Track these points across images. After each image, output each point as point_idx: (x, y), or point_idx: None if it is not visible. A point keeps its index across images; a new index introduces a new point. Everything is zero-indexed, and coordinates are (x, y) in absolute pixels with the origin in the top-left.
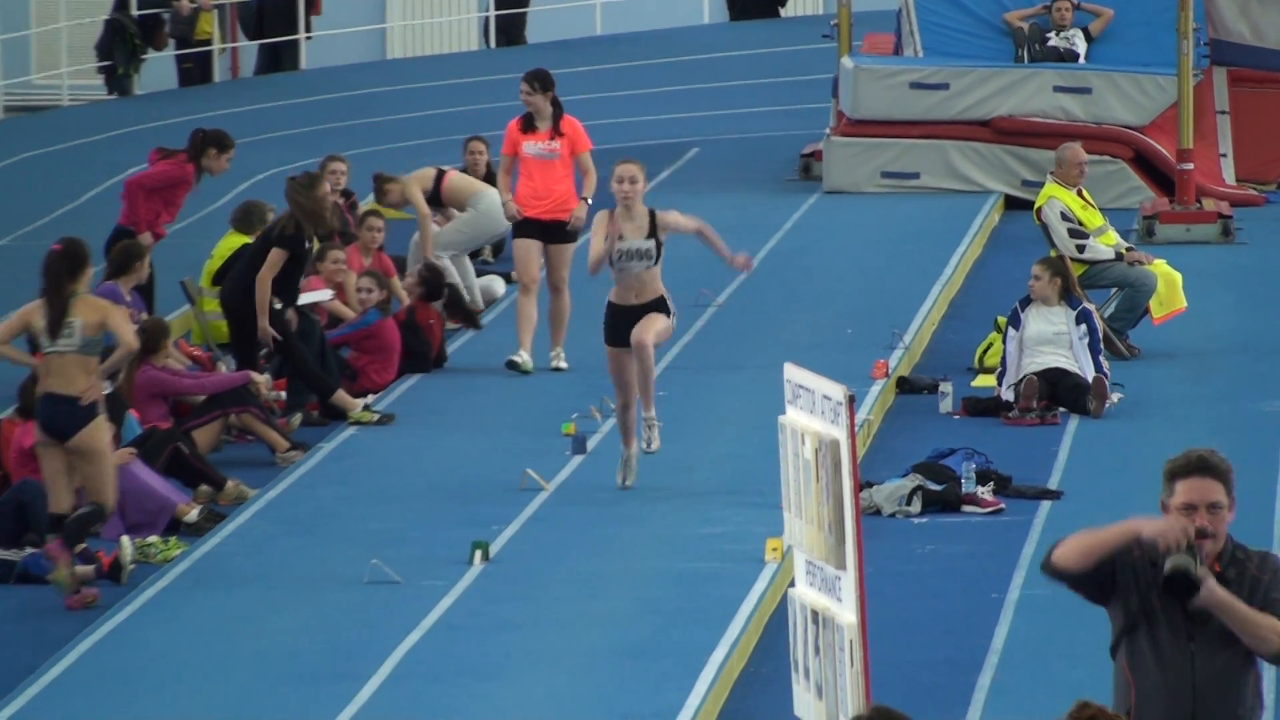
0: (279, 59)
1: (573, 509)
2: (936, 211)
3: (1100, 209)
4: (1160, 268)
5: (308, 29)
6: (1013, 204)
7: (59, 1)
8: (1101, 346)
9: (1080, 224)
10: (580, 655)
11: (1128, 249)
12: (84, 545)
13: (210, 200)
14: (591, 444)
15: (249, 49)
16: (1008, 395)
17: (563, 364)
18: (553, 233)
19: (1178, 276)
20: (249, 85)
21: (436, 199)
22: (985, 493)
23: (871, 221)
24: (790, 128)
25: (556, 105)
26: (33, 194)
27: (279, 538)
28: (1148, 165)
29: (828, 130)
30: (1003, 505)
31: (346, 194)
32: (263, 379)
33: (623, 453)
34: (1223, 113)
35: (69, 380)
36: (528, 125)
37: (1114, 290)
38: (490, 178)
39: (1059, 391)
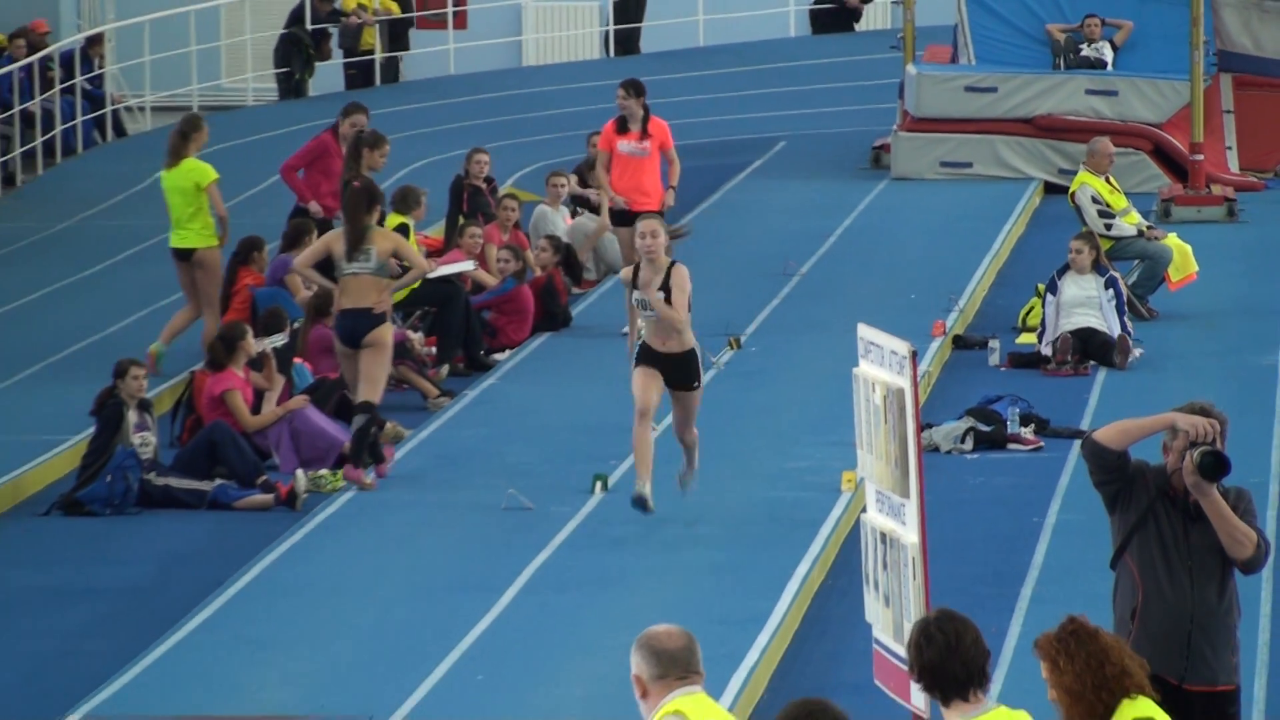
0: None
1: (677, 448)
2: (986, 195)
3: (1125, 193)
4: (1173, 240)
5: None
6: (1051, 189)
7: (245, 16)
8: (1126, 309)
9: (1108, 206)
10: (684, 570)
11: (1148, 227)
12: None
13: None
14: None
15: (403, 57)
16: (1046, 350)
17: None
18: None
19: (1188, 246)
20: (405, 89)
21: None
22: (1027, 433)
23: (931, 204)
24: (863, 124)
25: (646, 109)
26: (223, 180)
27: (429, 471)
28: (1165, 156)
29: (895, 127)
30: (1042, 444)
31: (489, 180)
32: (416, 336)
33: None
34: (1228, 112)
35: (363, 296)
36: (622, 126)
37: (1136, 261)
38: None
39: (1090, 347)
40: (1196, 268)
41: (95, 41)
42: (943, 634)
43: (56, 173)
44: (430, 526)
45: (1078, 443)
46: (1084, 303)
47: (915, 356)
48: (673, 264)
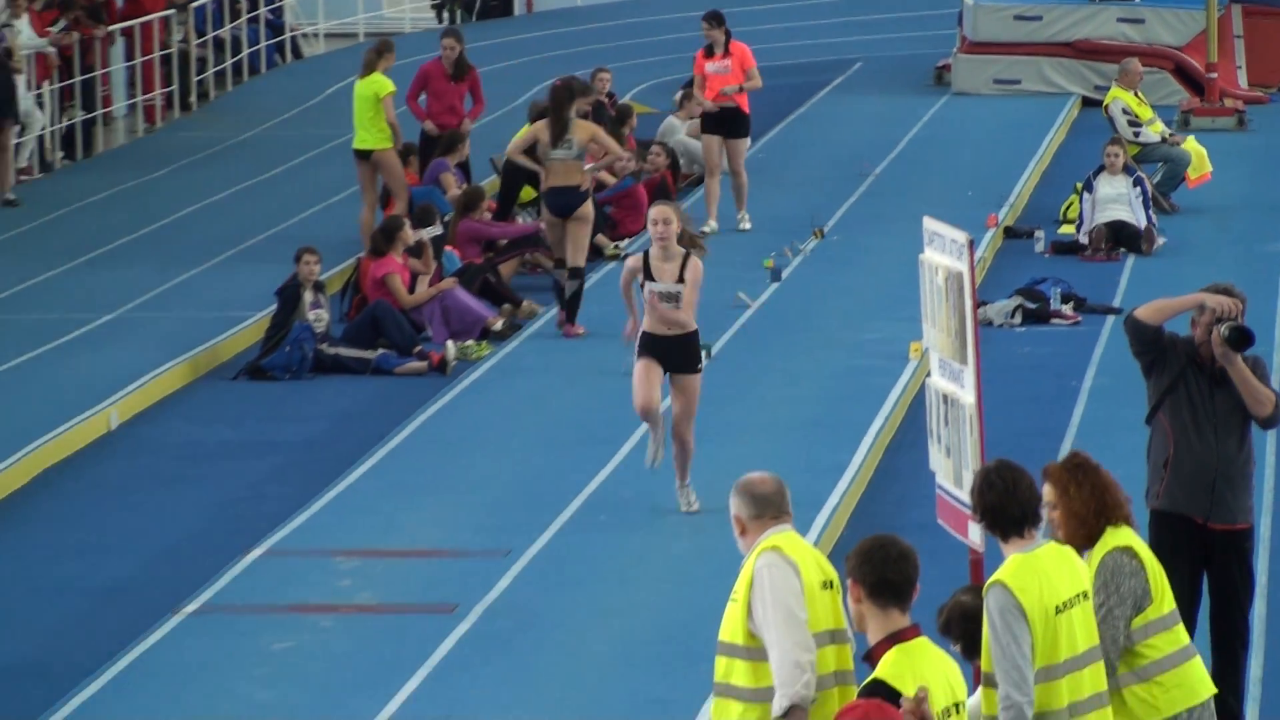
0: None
1: (771, 322)
2: (1032, 108)
3: (1150, 105)
4: (1191, 145)
5: None
6: (1087, 102)
7: None
8: (1151, 204)
9: (1136, 116)
10: (778, 425)
11: (1170, 134)
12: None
13: (507, 102)
14: (786, 273)
15: None
16: (1083, 239)
17: (747, 225)
18: (729, 126)
19: (1204, 151)
20: (538, 18)
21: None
22: (1067, 310)
23: (985, 115)
24: (927, 48)
25: (727, 34)
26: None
27: (559, 340)
28: (1185, 74)
29: (954, 49)
30: (1080, 319)
31: (610, 95)
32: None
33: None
34: (1238, 37)
35: (568, 176)
36: (709, 52)
37: (1160, 164)
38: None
39: (1121, 237)
40: (1211, 169)
41: None
42: (1002, 480)
43: (243, 90)
44: (561, 388)
45: (1111, 318)
46: (1115, 199)
47: (972, 245)
48: (687, 255)
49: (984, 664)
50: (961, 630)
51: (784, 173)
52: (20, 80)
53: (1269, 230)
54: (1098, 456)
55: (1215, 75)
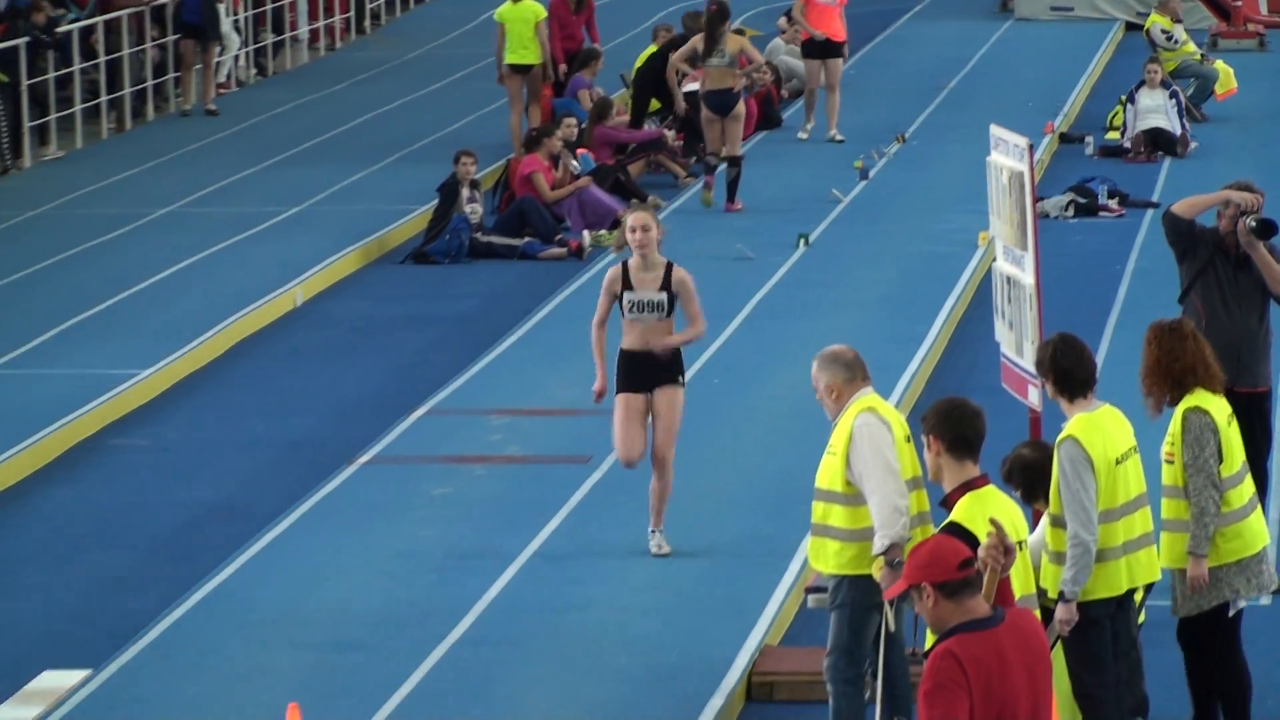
0: None
1: (860, 215)
2: (1084, 31)
3: (1185, 28)
4: (1219, 64)
5: None
6: (1130, 27)
7: None
8: (1185, 114)
9: (1172, 39)
10: (867, 302)
11: (1201, 55)
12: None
13: (627, 30)
14: (873, 173)
15: None
16: (1127, 144)
17: (840, 138)
18: (829, 50)
19: (1230, 69)
20: None
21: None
22: (1113, 204)
23: (1044, 38)
24: None
25: None
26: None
27: (680, 229)
28: (1214, 2)
29: None
30: (1124, 213)
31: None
32: (670, 133)
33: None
34: None
35: (722, 80)
36: None
37: (1192, 79)
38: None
39: (1159, 142)
40: (1236, 85)
41: None
42: (1073, 350)
43: (410, 16)
44: (689, 266)
45: (1150, 211)
46: (1154, 109)
47: (1031, 148)
48: (670, 265)
49: (1052, 507)
50: (1022, 479)
51: (871, 87)
52: (221, 7)
53: None
54: (1138, 330)
55: (1240, 3)
